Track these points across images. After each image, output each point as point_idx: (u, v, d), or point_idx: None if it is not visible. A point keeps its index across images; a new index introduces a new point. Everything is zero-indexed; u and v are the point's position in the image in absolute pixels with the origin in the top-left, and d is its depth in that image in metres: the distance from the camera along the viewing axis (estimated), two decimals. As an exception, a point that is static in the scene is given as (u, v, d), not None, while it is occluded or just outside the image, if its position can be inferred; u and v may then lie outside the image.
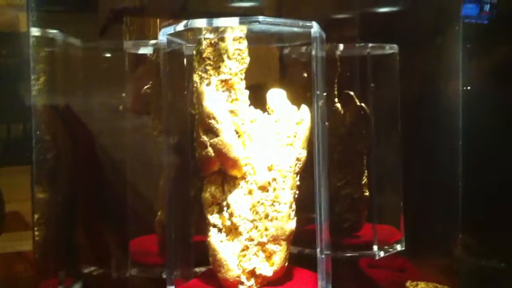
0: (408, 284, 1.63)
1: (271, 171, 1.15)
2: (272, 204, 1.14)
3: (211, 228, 1.14)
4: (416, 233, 1.71)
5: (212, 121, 1.10)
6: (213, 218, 1.14)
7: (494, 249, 1.60)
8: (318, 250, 1.15)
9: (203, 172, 1.14)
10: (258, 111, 1.19)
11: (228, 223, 1.13)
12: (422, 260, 1.74)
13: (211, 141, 1.11)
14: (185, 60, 1.24)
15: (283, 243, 1.14)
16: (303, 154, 1.18)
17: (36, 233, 1.17)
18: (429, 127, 1.67)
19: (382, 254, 1.55)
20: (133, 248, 1.44)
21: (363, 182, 1.62)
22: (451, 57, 1.59)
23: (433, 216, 1.67)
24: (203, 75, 1.15)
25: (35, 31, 1.13)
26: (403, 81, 1.71)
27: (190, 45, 1.23)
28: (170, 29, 1.15)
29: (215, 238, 1.13)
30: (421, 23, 1.73)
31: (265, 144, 1.16)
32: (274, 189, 1.15)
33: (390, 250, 1.59)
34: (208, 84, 1.13)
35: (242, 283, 1.13)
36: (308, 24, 1.14)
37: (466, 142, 1.54)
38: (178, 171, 1.22)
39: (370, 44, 1.56)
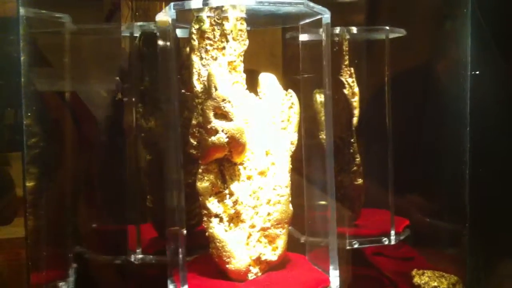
0: (414, 272, 1.60)
1: (269, 156, 1.13)
2: (274, 189, 1.12)
3: (212, 218, 1.09)
4: (423, 222, 1.68)
5: (227, 105, 1.06)
6: (215, 207, 1.09)
7: (502, 239, 1.57)
8: (330, 235, 1.14)
9: (202, 160, 1.09)
10: (252, 95, 1.16)
11: (231, 211, 1.10)
12: (428, 249, 1.72)
13: (224, 126, 1.06)
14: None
15: (286, 226, 1.14)
16: (295, 137, 1.17)
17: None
18: (436, 114, 1.64)
19: (356, 245, 1.50)
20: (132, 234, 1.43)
21: (352, 169, 1.58)
22: (459, 41, 1.55)
23: (440, 205, 1.64)
24: (204, 55, 1.10)
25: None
26: (410, 66, 1.68)
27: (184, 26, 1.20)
28: (181, 5, 1.05)
29: (218, 229, 1.09)
30: (429, 6, 1.69)
31: (261, 128, 1.13)
32: (274, 174, 1.13)
33: (371, 242, 1.54)
34: (219, 66, 1.08)
35: (250, 271, 1.11)
36: (321, 8, 1.12)
37: (474, 128, 1.50)
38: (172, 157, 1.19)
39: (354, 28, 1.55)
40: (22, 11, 1.08)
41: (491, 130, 1.54)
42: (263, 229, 1.12)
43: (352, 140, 1.56)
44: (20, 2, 1.08)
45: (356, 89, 1.59)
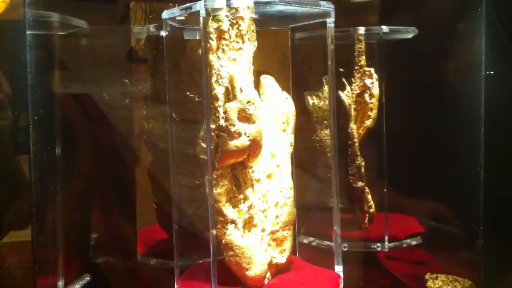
0: (427, 276, 1.58)
1: (273, 158, 1.12)
2: (280, 191, 1.12)
3: (228, 225, 1.07)
4: (436, 225, 1.66)
5: (251, 107, 1.04)
6: (231, 213, 1.07)
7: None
8: (334, 236, 1.16)
9: (220, 164, 1.05)
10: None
11: (246, 216, 1.08)
12: (442, 252, 1.69)
13: (247, 129, 1.04)
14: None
15: (291, 227, 1.14)
16: (292, 139, 1.16)
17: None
18: (449, 114, 1.62)
19: (345, 248, 1.47)
20: (141, 237, 1.43)
21: (351, 172, 1.56)
22: (473, 40, 1.53)
23: (454, 207, 1.62)
24: (222, 56, 1.06)
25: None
26: (423, 66, 1.65)
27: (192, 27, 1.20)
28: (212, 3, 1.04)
29: (236, 235, 1.07)
30: (443, 5, 1.67)
31: (265, 131, 1.12)
32: (279, 176, 1.12)
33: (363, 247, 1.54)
34: (242, 67, 1.06)
35: (266, 276, 1.10)
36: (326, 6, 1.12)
37: (488, 129, 1.48)
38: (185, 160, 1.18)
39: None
40: (28, 13, 1.07)
41: (506, 131, 1.51)
42: (272, 232, 1.11)
43: (349, 142, 1.54)
44: (27, 5, 1.08)
45: (375, 91, 1.57)
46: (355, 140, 1.54)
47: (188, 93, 1.29)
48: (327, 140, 1.56)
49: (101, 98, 1.36)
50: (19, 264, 1.32)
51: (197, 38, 1.36)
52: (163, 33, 1.15)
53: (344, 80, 1.55)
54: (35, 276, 1.15)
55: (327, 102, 1.54)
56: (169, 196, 1.24)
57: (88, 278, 1.29)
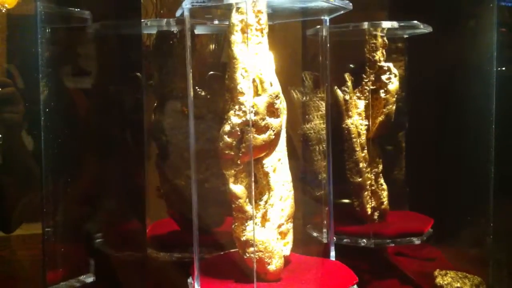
0: (436, 273, 1.57)
1: (275, 152, 1.11)
2: (283, 184, 1.11)
3: (249, 221, 1.05)
4: (446, 221, 1.66)
5: (278, 101, 1.03)
6: (251, 209, 1.06)
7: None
8: (329, 227, 1.20)
9: (242, 160, 1.04)
10: None
11: (262, 211, 1.08)
12: (452, 248, 1.69)
13: (273, 123, 1.03)
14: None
15: (292, 220, 1.13)
16: (285, 134, 1.15)
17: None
18: (461, 111, 1.61)
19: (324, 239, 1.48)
20: (151, 232, 1.44)
21: (347, 167, 1.55)
22: (484, 36, 1.52)
23: (464, 204, 1.61)
24: (245, 48, 1.03)
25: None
26: (435, 63, 1.65)
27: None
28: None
29: (257, 231, 1.06)
30: (454, 3, 1.66)
31: None
32: (281, 170, 1.12)
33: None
34: (265, 60, 1.05)
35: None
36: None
37: (499, 126, 1.47)
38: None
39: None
40: (40, 7, 1.08)
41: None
42: (279, 226, 1.11)
43: (346, 137, 1.53)
44: (38, -1, 1.08)
45: (391, 86, 1.54)
46: (353, 135, 1.53)
47: (196, 87, 1.29)
48: (309, 134, 1.56)
49: (112, 91, 1.37)
50: (30, 257, 1.33)
51: (208, 32, 1.37)
52: (175, 29, 1.15)
53: (346, 76, 1.54)
54: (45, 268, 1.15)
55: (308, 97, 1.55)
56: (175, 188, 1.24)
57: (90, 279, 1.27)
